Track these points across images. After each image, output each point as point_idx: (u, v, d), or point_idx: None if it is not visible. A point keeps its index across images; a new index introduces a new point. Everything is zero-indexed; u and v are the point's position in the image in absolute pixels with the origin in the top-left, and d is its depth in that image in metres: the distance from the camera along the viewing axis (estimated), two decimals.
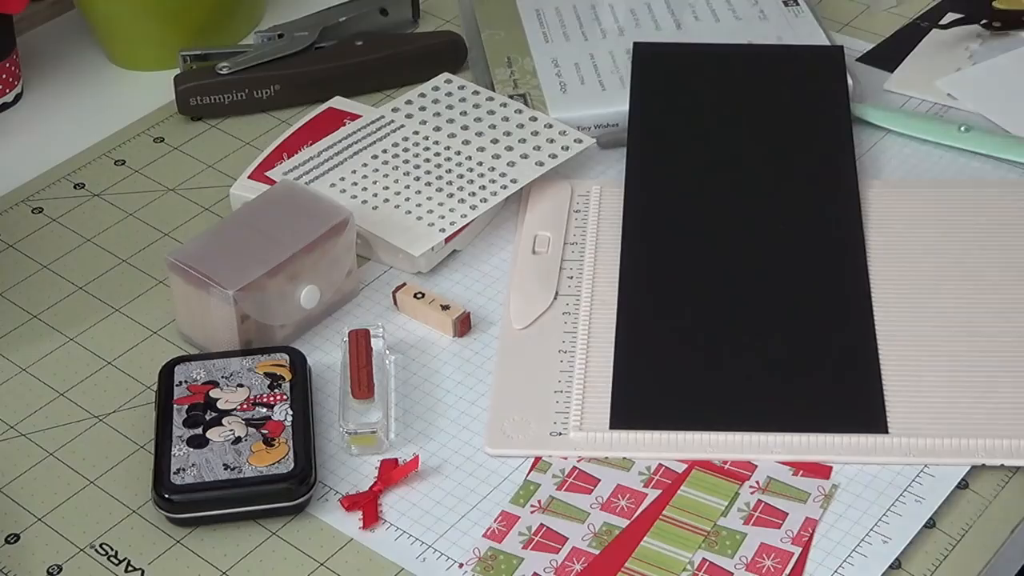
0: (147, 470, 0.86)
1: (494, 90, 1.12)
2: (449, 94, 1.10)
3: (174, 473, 0.84)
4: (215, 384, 0.89)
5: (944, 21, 1.22)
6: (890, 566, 0.81)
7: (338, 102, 1.12)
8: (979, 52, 1.18)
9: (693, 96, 1.10)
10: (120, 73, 1.22)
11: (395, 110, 1.09)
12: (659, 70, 1.11)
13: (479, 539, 0.83)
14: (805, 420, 0.88)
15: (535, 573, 0.81)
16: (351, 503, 0.85)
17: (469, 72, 1.17)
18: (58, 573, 0.83)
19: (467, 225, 1.00)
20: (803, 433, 0.87)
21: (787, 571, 0.81)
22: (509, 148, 1.05)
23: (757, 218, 1.01)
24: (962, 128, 1.09)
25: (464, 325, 0.96)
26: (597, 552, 0.82)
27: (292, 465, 0.84)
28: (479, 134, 1.06)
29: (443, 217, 1.00)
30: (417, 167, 1.04)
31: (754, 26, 1.17)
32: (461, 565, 0.82)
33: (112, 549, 0.84)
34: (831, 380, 0.90)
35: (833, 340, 0.93)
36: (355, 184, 1.03)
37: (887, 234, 1.00)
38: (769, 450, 0.87)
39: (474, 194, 1.02)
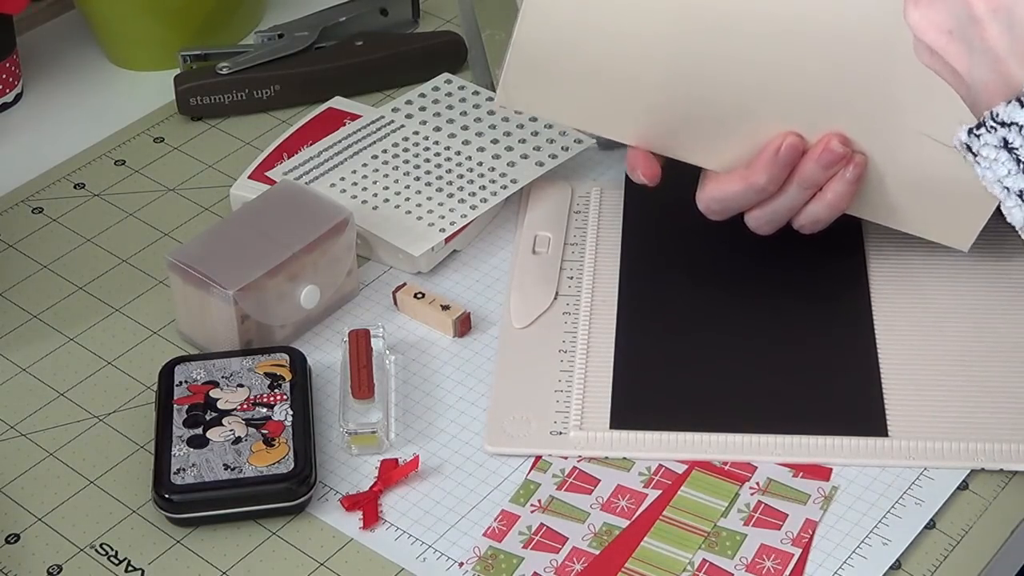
0: (147, 470, 0.86)
1: (494, 90, 1.12)
2: (449, 94, 1.10)
3: (174, 473, 0.84)
4: (215, 384, 0.89)
5: None
6: (890, 567, 0.81)
7: (338, 102, 1.12)
8: None
9: None
10: (120, 73, 1.21)
11: (395, 110, 1.09)
12: None
13: (479, 538, 0.83)
14: (805, 423, 0.88)
15: (535, 573, 0.81)
16: (351, 503, 0.85)
17: (469, 72, 1.17)
18: (58, 573, 0.83)
19: (467, 225, 1.00)
20: (803, 435, 0.87)
21: (787, 572, 0.81)
22: (509, 148, 1.05)
23: None
24: None
25: (464, 325, 0.96)
26: (597, 552, 0.82)
27: (292, 465, 0.84)
28: (479, 134, 1.06)
29: (443, 217, 1.00)
30: (417, 167, 1.04)
31: None
32: (461, 564, 0.82)
33: (112, 549, 0.84)
34: (831, 383, 0.90)
35: (833, 343, 0.93)
36: (355, 184, 1.03)
37: (887, 238, 1.00)
38: (769, 452, 0.87)
39: (474, 194, 1.02)
